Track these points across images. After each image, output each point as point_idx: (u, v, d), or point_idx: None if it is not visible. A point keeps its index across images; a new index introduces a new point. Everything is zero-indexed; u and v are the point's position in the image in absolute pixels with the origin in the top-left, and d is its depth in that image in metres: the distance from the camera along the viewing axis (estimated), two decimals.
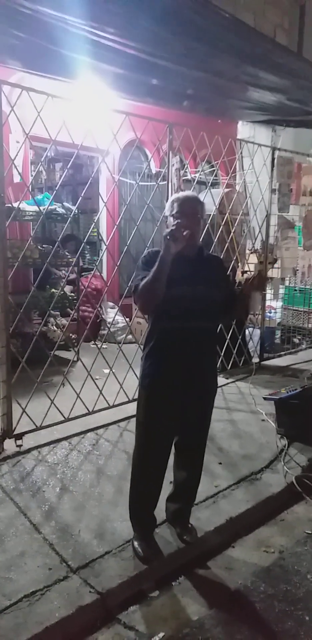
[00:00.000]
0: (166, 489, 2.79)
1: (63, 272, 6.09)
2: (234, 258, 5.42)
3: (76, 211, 5.15)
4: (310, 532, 3.01)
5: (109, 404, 4.17)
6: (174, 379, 2.48)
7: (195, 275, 2.46)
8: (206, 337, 2.56)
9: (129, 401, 4.17)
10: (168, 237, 2.27)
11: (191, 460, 2.75)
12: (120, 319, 6.04)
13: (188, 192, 2.78)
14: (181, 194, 2.61)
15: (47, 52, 3.72)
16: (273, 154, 5.65)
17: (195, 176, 5.36)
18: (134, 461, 2.66)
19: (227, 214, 5.26)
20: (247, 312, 2.68)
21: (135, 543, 2.61)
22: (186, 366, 2.48)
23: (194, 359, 2.49)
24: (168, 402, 2.50)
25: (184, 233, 2.31)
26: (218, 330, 4.88)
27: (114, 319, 5.39)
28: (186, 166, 5.46)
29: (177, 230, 2.29)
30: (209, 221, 4.98)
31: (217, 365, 5.21)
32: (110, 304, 6.67)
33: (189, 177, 5.38)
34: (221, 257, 5.11)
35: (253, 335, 5.91)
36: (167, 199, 3.54)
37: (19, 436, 3.60)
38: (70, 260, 5.48)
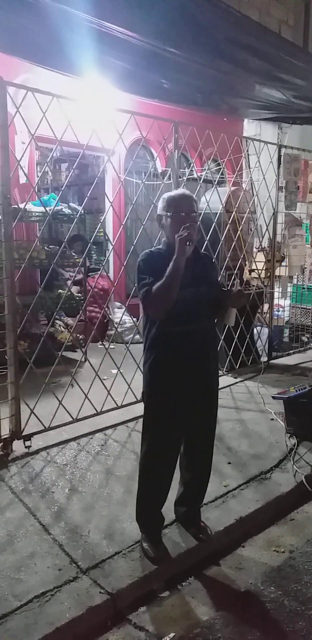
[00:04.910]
0: (174, 490, 2.78)
1: (70, 272, 6.10)
2: (242, 256, 5.41)
3: (82, 211, 5.15)
4: None
5: (117, 404, 4.17)
6: (182, 382, 2.46)
7: (197, 275, 2.45)
8: (209, 337, 2.58)
9: (137, 401, 4.16)
10: (187, 243, 2.27)
11: (200, 461, 2.74)
12: (127, 319, 6.03)
13: (181, 190, 2.63)
14: (175, 192, 2.54)
15: (54, 45, 3.71)
16: (280, 151, 5.62)
17: (201, 174, 5.34)
18: (142, 465, 2.65)
19: (234, 212, 5.24)
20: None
21: (145, 544, 2.60)
22: (193, 368, 2.47)
23: (199, 360, 2.49)
24: (176, 406, 2.49)
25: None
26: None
27: (121, 319, 5.39)
28: (192, 165, 5.45)
29: (192, 234, 2.30)
30: (216, 219, 4.97)
31: (226, 365, 5.22)
32: (118, 304, 6.66)
33: (195, 175, 5.36)
34: (228, 255, 5.14)
35: (261, 334, 5.88)
36: None
37: (28, 437, 3.60)
38: (77, 260, 5.49)
